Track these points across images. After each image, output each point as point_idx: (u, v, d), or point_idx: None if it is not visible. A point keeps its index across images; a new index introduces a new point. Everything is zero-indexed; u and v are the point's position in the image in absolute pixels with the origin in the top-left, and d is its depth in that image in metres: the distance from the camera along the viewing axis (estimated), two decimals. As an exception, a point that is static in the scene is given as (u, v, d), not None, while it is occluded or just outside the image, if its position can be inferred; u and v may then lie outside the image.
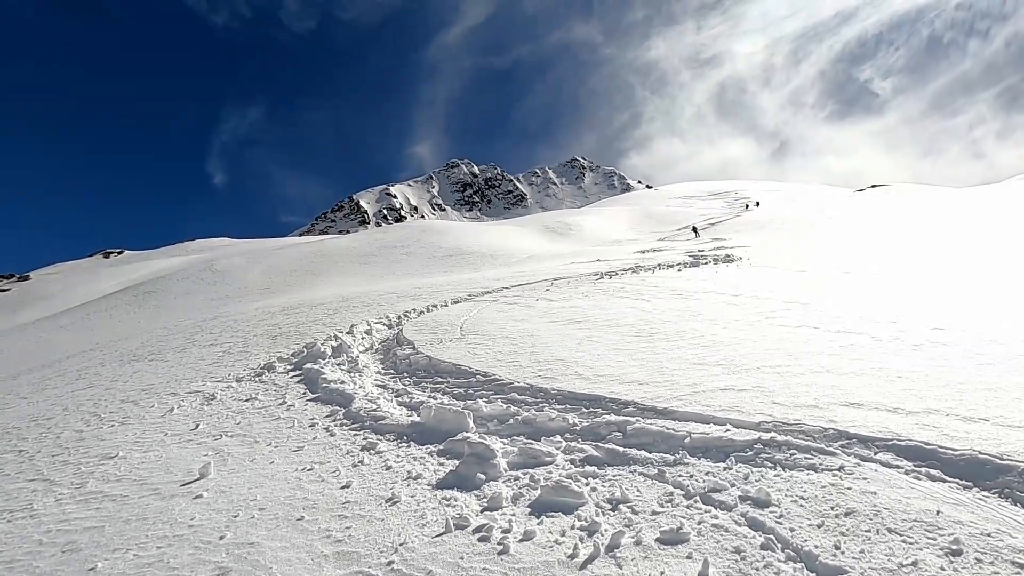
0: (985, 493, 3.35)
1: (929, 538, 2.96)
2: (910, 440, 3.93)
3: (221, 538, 3.75)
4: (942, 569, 2.73)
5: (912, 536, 2.99)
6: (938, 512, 3.15)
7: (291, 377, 8.33)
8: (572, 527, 3.47)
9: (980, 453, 3.64)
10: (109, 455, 5.82)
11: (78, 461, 5.79)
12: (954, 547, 2.86)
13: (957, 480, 3.49)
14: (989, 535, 2.93)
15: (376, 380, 7.73)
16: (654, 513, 3.54)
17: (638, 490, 3.87)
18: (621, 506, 3.67)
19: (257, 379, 8.46)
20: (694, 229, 34.77)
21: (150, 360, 11.58)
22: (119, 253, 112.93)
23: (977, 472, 3.52)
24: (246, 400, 7.39)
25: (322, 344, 9.44)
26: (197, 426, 6.50)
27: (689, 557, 3.04)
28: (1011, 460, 3.52)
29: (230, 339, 12.34)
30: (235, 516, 4.07)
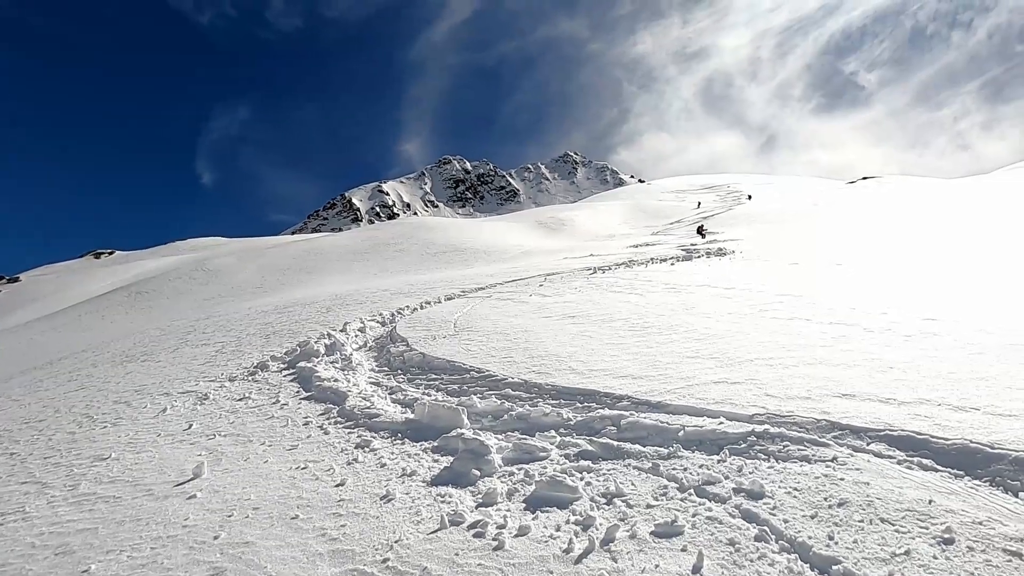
0: (977, 482, 3.37)
1: (922, 527, 2.98)
2: (902, 430, 3.95)
3: (215, 538, 3.74)
4: (935, 558, 2.75)
5: (905, 526, 3.01)
6: (930, 501, 3.17)
7: (284, 376, 8.30)
8: (567, 521, 3.47)
9: (971, 442, 3.67)
10: (102, 456, 5.79)
11: (70, 463, 5.75)
12: (946, 536, 2.88)
13: (949, 469, 3.52)
14: (981, 523, 2.95)
15: (370, 378, 7.71)
16: (648, 506, 3.55)
17: (632, 484, 3.88)
18: (616, 500, 3.68)
19: (250, 378, 8.43)
20: (700, 230, 28.86)
21: (143, 360, 11.51)
22: (110, 254, 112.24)
23: (969, 461, 3.54)
24: (239, 399, 7.36)
25: (315, 342, 9.41)
26: (190, 426, 6.47)
27: (684, 550, 3.04)
28: (1002, 449, 3.55)
29: (223, 338, 12.28)
30: (229, 516, 4.05)
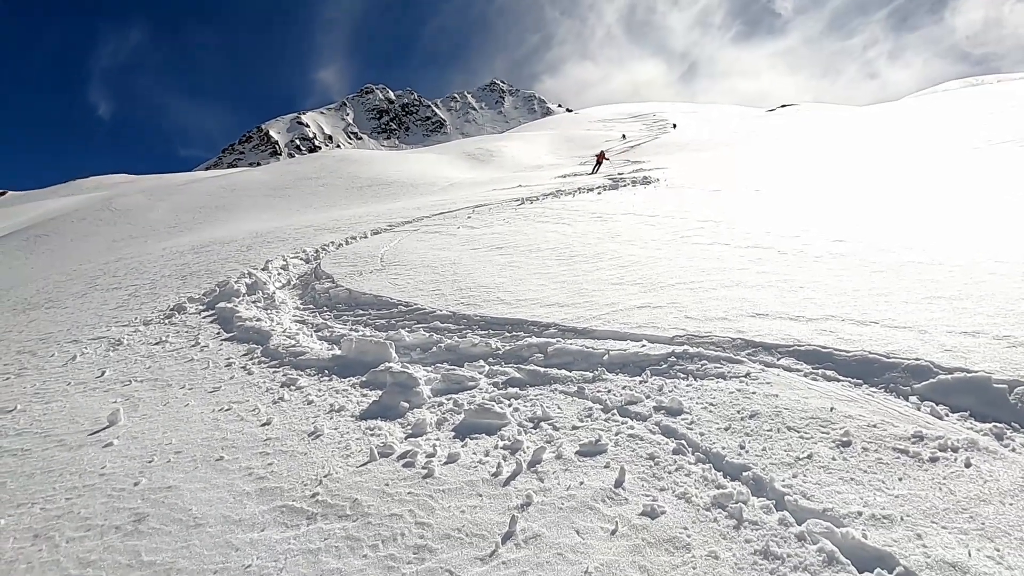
0: (873, 389, 3.63)
1: (823, 432, 3.20)
2: (809, 345, 4.19)
3: (136, 484, 3.62)
4: (833, 459, 2.96)
5: (808, 432, 3.22)
6: (832, 409, 3.40)
7: (203, 317, 7.98)
8: (495, 447, 3.54)
9: (870, 353, 3.93)
10: (6, 409, 5.45)
11: (-29, 418, 5.40)
12: (844, 439, 3.10)
13: (849, 379, 3.77)
14: (875, 426, 3.19)
15: (295, 316, 7.52)
16: (574, 428, 3.66)
17: (559, 407, 3.98)
18: (542, 424, 3.77)
19: (167, 321, 8.07)
20: (599, 159, 27.05)
21: (47, 308, 10.81)
22: (2, 195, 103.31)
23: (867, 370, 3.81)
24: (156, 343, 7.05)
25: (235, 282, 9.06)
26: (103, 373, 6.17)
27: (607, 466, 3.17)
28: (896, 358, 3.82)
29: (136, 281, 11.66)
30: (149, 461, 3.92)
